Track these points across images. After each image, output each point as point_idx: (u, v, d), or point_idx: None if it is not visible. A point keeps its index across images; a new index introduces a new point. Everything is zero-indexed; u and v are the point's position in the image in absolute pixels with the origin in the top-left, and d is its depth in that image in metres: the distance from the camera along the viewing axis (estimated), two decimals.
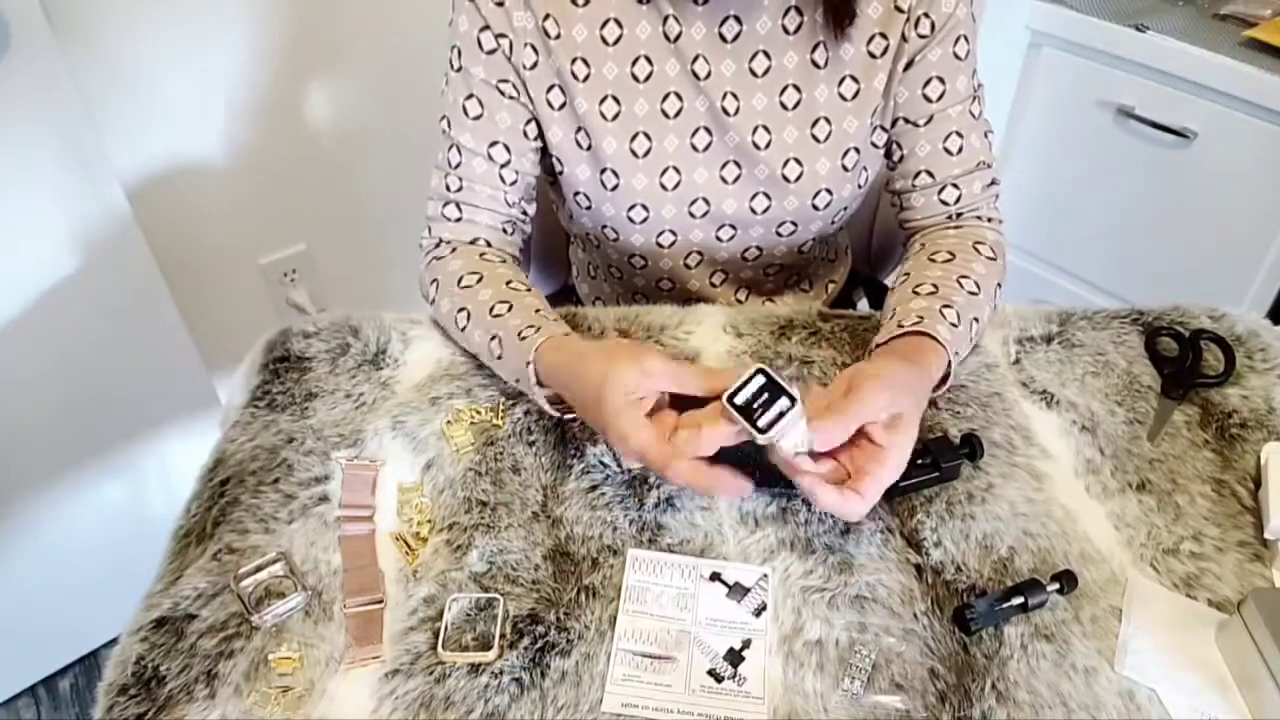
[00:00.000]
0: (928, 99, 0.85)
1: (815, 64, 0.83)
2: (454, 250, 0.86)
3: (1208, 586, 0.66)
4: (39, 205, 1.13)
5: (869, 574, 0.66)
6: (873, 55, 0.83)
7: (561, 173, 0.86)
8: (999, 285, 0.86)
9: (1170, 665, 0.61)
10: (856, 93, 0.83)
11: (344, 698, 0.59)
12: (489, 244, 0.87)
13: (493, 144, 0.83)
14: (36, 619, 1.43)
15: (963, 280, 0.81)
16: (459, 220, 0.87)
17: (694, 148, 0.84)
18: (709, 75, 0.82)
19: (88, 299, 1.22)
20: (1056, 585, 0.64)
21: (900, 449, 0.64)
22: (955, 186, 0.88)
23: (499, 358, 0.77)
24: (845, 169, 0.86)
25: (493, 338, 0.77)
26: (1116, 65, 1.45)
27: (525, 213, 0.90)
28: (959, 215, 0.89)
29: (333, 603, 0.64)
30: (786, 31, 0.82)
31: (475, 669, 0.60)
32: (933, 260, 0.84)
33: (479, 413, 0.77)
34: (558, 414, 0.75)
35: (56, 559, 1.39)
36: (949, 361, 0.75)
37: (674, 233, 0.89)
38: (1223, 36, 1.37)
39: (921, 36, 0.81)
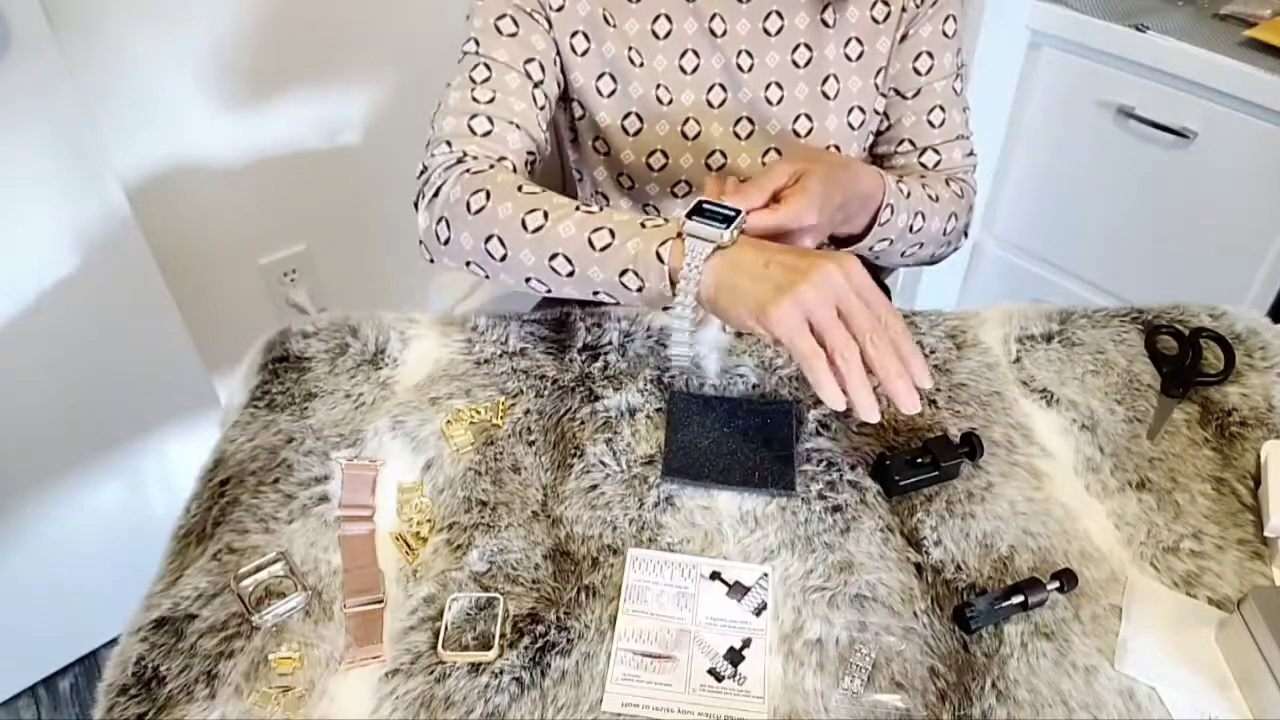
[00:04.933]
0: (917, 72, 0.89)
1: (825, 23, 0.86)
2: (493, 165, 0.78)
3: (1208, 585, 0.66)
4: (39, 205, 1.13)
5: (869, 573, 0.66)
6: (875, 20, 0.87)
7: (581, 117, 0.87)
8: (956, 219, 0.90)
9: (1170, 664, 0.61)
10: (861, 54, 0.87)
11: (344, 698, 0.59)
12: (514, 171, 0.80)
13: (529, 60, 0.81)
14: (36, 619, 1.43)
15: (925, 184, 0.87)
16: (488, 134, 0.79)
17: (709, 104, 0.87)
18: (725, 34, 0.85)
19: (88, 299, 1.22)
20: (1056, 584, 0.64)
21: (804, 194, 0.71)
22: (936, 151, 0.92)
23: (604, 248, 0.70)
24: (851, 127, 0.89)
25: (596, 229, 0.71)
26: (1116, 65, 1.45)
27: (544, 150, 0.85)
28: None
29: (333, 603, 0.64)
30: None
31: (475, 669, 0.60)
32: (906, 174, 0.91)
33: (478, 412, 0.76)
34: (685, 305, 0.69)
35: (56, 559, 1.39)
36: (880, 206, 0.80)
37: (689, 183, 0.91)
38: (1223, 36, 1.37)
39: (917, 6, 0.86)
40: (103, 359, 1.28)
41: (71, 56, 1.17)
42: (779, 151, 0.90)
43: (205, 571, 0.65)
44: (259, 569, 0.65)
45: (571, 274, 0.72)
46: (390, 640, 0.62)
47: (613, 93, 0.86)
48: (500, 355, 0.82)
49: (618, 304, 0.74)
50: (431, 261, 0.81)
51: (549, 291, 0.75)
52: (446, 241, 0.77)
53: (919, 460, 0.71)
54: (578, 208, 0.73)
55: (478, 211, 0.75)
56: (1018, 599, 0.63)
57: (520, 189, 0.75)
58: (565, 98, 0.88)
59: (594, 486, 0.71)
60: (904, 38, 0.88)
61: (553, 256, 0.72)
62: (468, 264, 0.77)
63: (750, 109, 0.88)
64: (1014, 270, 1.77)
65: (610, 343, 0.83)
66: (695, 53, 0.86)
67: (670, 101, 0.87)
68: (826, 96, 0.88)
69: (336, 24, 1.42)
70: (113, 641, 0.77)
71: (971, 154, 0.94)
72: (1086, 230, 1.63)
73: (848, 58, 0.88)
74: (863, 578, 0.65)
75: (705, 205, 0.69)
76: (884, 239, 0.83)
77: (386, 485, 0.72)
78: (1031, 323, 0.86)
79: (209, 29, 1.31)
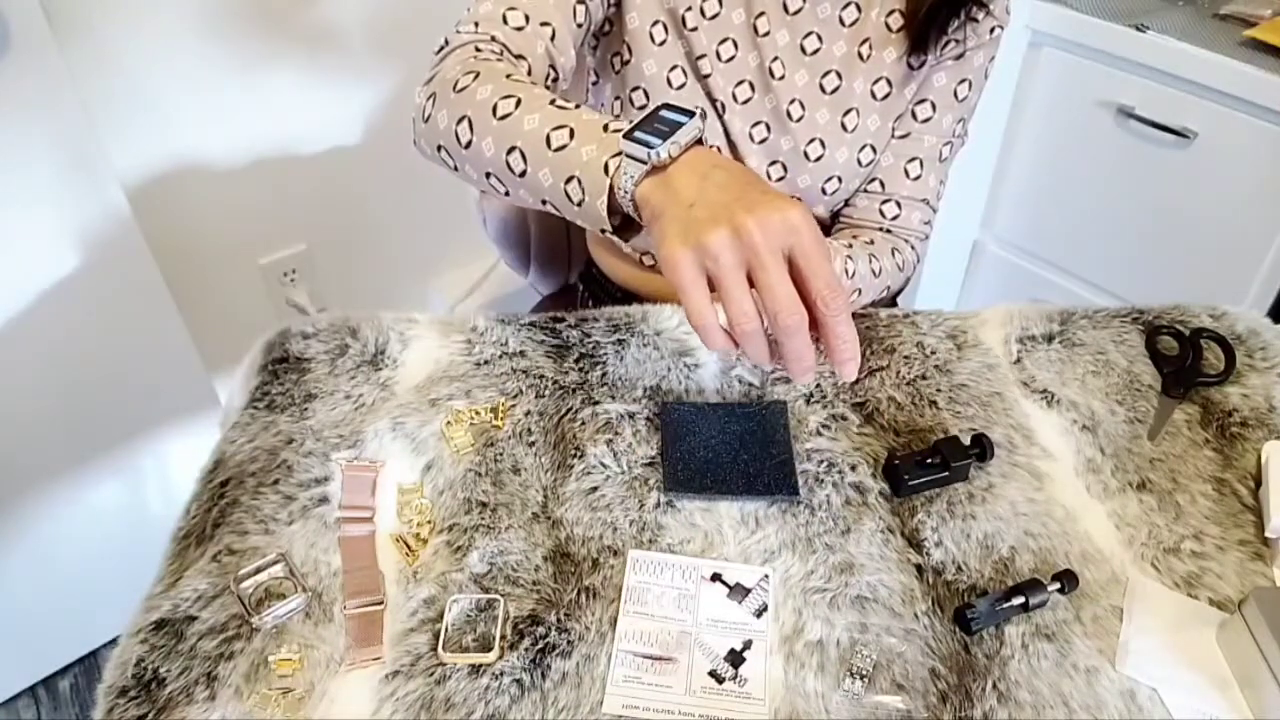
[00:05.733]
0: (914, 116, 0.88)
1: (860, 56, 0.86)
2: (501, 57, 0.73)
3: (1209, 585, 0.66)
4: (38, 205, 1.13)
5: (870, 574, 0.66)
6: (911, 67, 0.87)
7: (629, 62, 0.85)
8: (888, 291, 0.92)
9: (1171, 664, 0.61)
10: (887, 95, 0.87)
11: (344, 699, 0.59)
12: (526, 74, 0.74)
13: None
14: (36, 619, 1.43)
15: (872, 259, 0.88)
16: (520, 30, 0.75)
17: (734, 97, 0.87)
18: (766, 35, 0.85)
19: (88, 299, 1.22)
20: (1057, 585, 0.64)
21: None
22: (898, 205, 0.92)
23: (559, 148, 0.63)
24: (860, 164, 0.89)
25: (559, 127, 0.63)
26: (1116, 65, 1.45)
27: (565, 77, 0.80)
28: (889, 231, 0.94)
29: (333, 604, 0.64)
30: (842, 23, 0.85)
31: (476, 670, 0.60)
32: (855, 238, 0.92)
33: (478, 414, 0.76)
34: (610, 228, 0.63)
35: (56, 559, 1.39)
36: None
37: (719, 147, 0.90)
38: (1223, 36, 1.37)
39: (939, 55, 0.86)
40: (103, 359, 1.28)
41: (71, 56, 1.17)
42: (785, 167, 0.90)
43: (205, 573, 0.65)
44: (259, 570, 0.65)
45: (523, 174, 0.65)
46: (390, 642, 0.62)
47: (663, 43, 0.84)
48: (500, 356, 0.82)
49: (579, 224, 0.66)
50: (415, 144, 0.75)
51: (506, 195, 0.69)
52: (427, 119, 0.71)
53: (929, 460, 0.71)
54: (553, 101, 0.65)
55: (460, 90, 0.69)
56: (1018, 600, 0.62)
57: (509, 76, 0.69)
58: (614, 44, 0.86)
59: (594, 488, 0.71)
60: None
61: (510, 150, 0.65)
62: (439, 148, 0.71)
63: (772, 116, 0.88)
64: (1014, 270, 1.77)
65: (606, 353, 0.82)
66: (735, 43, 0.85)
67: (708, 76, 0.86)
68: (844, 129, 0.88)
69: (337, 23, 1.42)
70: (113, 641, 0.77)
71: (928, 224, 0.93)
72: (1086, 230, 1.63)
73: (873, 95, 0.87)
74: (863, 579, 0.65)
75: (664, 110, 0.59)
76: None
77: (386, 486, 0.72)
78: (1032, 323, 0.86)
79: (209, 29, 1.31)
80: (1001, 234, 1.77)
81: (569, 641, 0.62)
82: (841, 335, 0.55)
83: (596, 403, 0.78)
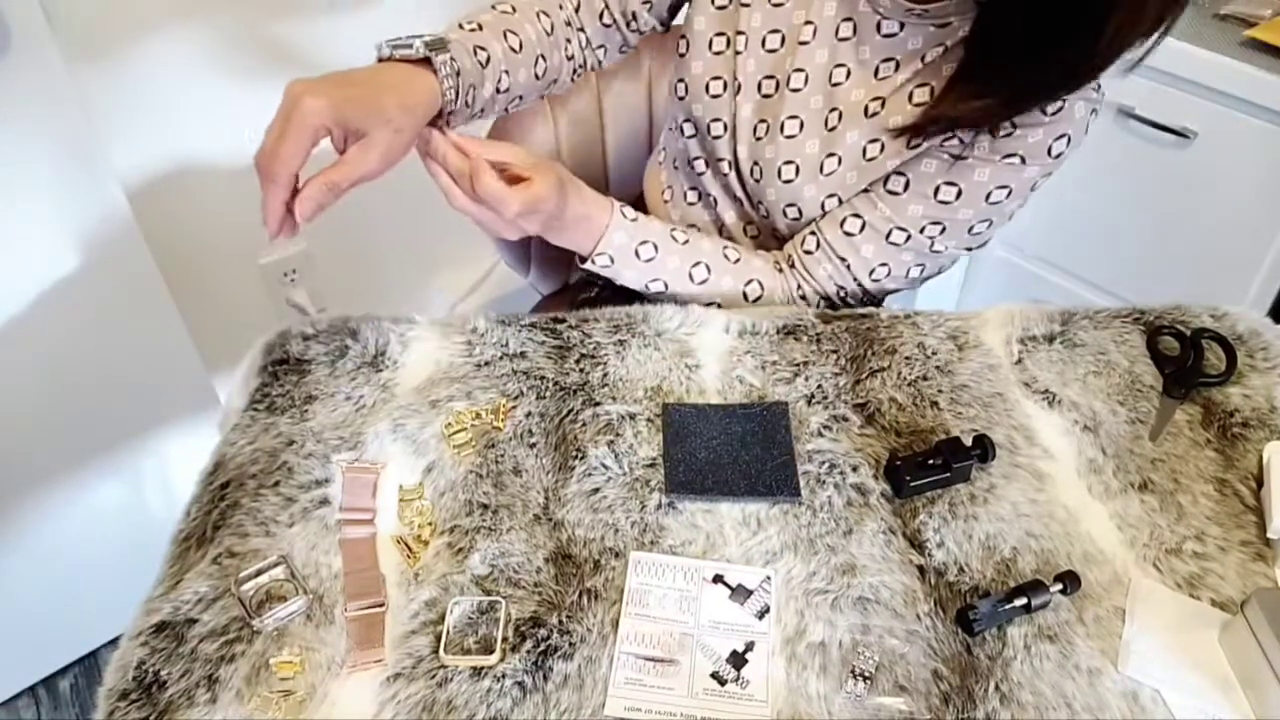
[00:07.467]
0: (884, 182, 0.85)
1: (866, 111, 0.84)
2: None
3: (1211, 586, 0.66)
4: (38, 206, 1.13)
5: (872, 575, 0.66)
6: (909, 145, 0.83)
7: (684, 55, 0.91)
8: (719, 307, 0.89)
9: (1174, 665, 0.61)
10: (873, 158, 0.84)
11: (345, 702, 0.59)
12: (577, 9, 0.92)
13: None
14: (36, 619, 1.42)
15: (700, 264, 0.88)
16: None
17: (759, 87, 0.88)
18: (805, 44, 0.85)
19: (88, 299, 1.22)
20: (1059, 586, 0.64)
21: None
22: (816, 244, 0.89)
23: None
24: (822, 208, 0.87)
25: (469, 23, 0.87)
26: (1117, 65, 1.45)
27: (640, 24, 0.93)
28: (792, 266, 0.91)
29: (334, 606, 0.64)
30: (875, 74, 0.83)
31: (477, 672, 0.60)
32: (747, 249, 0.93)
33: (479, 415, 0.76)
34: None
35: (56, 559, 1.39)
36: (601, 235, 0.85)
37: (724, 124, 0.91)
38: (1223, 36, 1.37)
39: (942, 143, 0.81)
40: (103, 359, 1.28)
41: (71, 57, 1.16)
42: (761, 173, 0.89)
43: (205, 575, 0.65)
44: (259, 573, 0.65)
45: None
46: (391, 644, 0.62)
47: (722, 6, 0.89)
48: (501, 357, 0.82)
49: None
50: None
51: None
52: None
53: (930, 462, 0.71)
54: (479, 19, 0.85)
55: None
56: (1020, 601, 0.62)
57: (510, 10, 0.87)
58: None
59: (596, 490, 0.71)
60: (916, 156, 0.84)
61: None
62: None
63: (773, 121, 0.87)
64: (1014, 270, 1.77)
65: (608, 353, 0.82)
66: (782, 38, 0.86)
67: (740, 53, 0.87)
68: (820, 169, 0.86)
69: (338, 23, 1.42)
70: (113, 641, 0.76)
71: (841, 290, 0.89)
72: (1086, 231, 1.63)
73: (863, 153, 0.84)
74: (865, 580, 0.65)
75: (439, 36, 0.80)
76: (612, 277, 0.88)
77: (387, 488, 0.72)
78: (1033, 323, 0.86)
79: (209, 28, 1.30)
80: (1001, 234, 1.76)
81: (571, 644, 0.62)
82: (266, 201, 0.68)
83: (597, 404, 0.77)
